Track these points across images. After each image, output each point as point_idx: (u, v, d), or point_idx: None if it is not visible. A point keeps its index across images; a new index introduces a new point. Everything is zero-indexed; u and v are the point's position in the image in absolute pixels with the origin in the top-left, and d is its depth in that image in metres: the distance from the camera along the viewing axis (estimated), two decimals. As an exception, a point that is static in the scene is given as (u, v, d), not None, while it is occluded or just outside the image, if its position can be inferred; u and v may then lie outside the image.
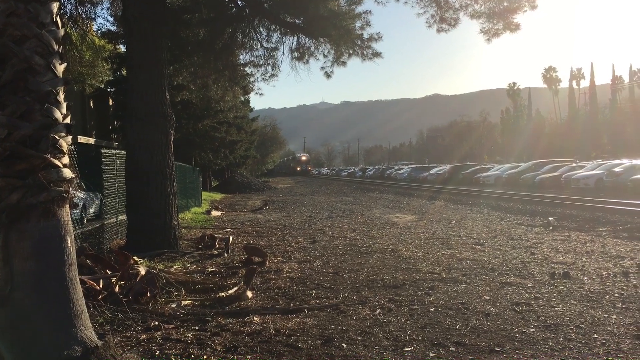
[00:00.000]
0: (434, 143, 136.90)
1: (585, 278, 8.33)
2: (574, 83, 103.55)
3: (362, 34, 14.98)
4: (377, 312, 6.72)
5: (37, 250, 4.36)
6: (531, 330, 5.82)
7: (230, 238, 13.19)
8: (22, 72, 4.42)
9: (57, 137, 4.51)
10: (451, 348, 5.33)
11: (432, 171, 57.72)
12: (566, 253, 10.67)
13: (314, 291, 7.97)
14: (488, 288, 7.86)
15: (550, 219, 16.31)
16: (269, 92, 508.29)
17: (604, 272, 8.67)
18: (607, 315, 6.28)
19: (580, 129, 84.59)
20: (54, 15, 4.67)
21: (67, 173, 4.58)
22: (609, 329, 5.79)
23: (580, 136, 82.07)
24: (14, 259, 4.35)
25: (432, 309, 6.77)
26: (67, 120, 4.69)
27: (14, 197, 4.32)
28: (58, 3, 4.75)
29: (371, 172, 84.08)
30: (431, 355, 5.16)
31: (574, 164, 38.99)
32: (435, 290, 7.78)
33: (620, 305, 6.73)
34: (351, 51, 15.36)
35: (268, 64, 17.11)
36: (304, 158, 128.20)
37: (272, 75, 17.45)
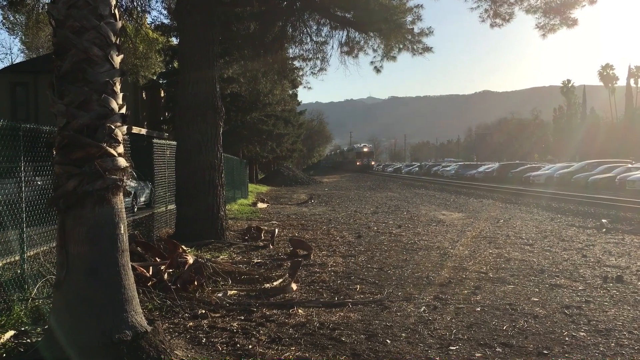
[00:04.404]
0: (483, 141, 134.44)
1: (640, 283, 8.04)
2: (632, 81, 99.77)
3: (412, 29, 14.81)
4: (422, 309, 6.66)
5: (92, 235, 4.50)
6: (582, 334, 5.66)
7: (276, 230, 13.31)
8: (81, 63, 4.54)
9: (113, 127, 4.63)
10: (498, 349, 5.24)
11: (480, 169, 56.65)
12: (620, 256, 10.32)
13: (358, 286, 7.96)
14: (537, 289, 7.68)
15: (603, 220, 15.81)
16: (317, 85, 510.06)
17: (660, 278, 8.35)
18: (663, 323, 6.05)
19: (637, 129, 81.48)
20: (112, 7, 4.78)
21: (122, 162, 4.70)
22: (664, 336, 5.57)
23: (637, 137, 79.06)
24: (69, 244, 4.50)
25: (479, 309, 6.66)
26: (123, 110, 4.81)
27: (71, 184, 4.47)
28: (116, -5, 4.86)
29: (417, 169, 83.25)
30: (477, 355, 5.08)
31: (629, 165, 37.52)
32: (482, 290, 7.65)
33: (677, 312, 6.47)
34: (401, 46, 15.21)
35: (317, 58, 17.16)
36: (365, 150, 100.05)
37: (321, 69, 17.50)
